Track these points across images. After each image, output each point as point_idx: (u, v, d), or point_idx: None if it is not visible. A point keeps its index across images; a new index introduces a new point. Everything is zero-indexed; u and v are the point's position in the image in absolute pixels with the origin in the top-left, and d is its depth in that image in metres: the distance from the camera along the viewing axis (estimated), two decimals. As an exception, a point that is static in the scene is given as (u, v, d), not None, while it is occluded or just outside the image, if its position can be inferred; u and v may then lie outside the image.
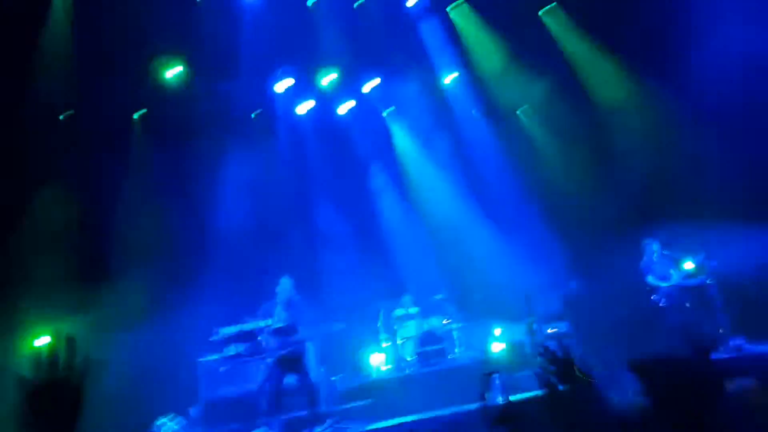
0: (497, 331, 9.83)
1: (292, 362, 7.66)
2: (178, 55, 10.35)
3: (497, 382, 4.36)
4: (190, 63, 10.44)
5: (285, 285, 8.01)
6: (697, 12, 9.19)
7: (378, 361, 9.86)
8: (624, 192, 10.43)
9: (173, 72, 10.39)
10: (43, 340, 8.27)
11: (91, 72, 9.32)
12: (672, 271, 8.83)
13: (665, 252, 8.92)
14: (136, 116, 10.75)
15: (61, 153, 9.64)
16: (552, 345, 3.11)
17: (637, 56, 10.39)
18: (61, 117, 9.85)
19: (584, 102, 11.01)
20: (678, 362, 2.99)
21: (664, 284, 8.81)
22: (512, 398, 7.00)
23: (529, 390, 7.14)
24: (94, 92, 9.56)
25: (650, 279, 8.94)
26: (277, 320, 7.83)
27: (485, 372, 4.04)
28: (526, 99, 11.81)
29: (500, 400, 3.88)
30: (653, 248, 8.98)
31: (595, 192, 10.99)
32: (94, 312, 8.77)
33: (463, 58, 11.66)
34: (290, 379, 7.64)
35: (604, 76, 10.95)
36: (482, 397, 3.85)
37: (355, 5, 10.88)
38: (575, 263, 10.68)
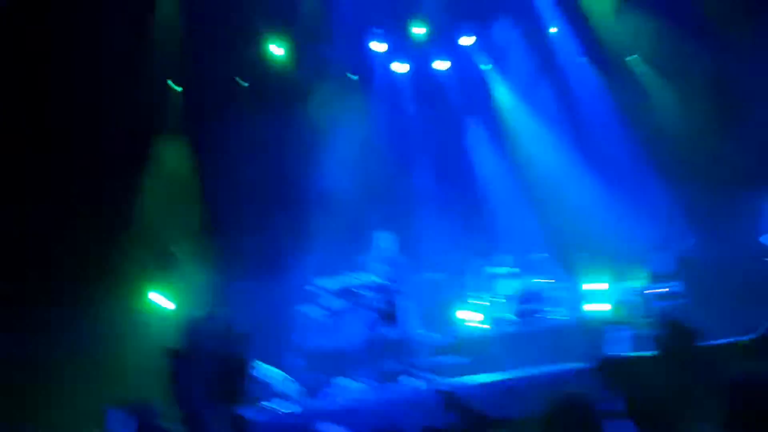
0: (601, 286, 9.43)
1: (390, 316, 7.80)
2: (282, 33, 10.71)
3: (617, 335, 4.10)
4: (291, 37, 10.74)
5: (386, 240, 8.12)
6: None
7: (475, 318, 9.77)
8: (750, 144, 9.52)
9: (278, 50, 10.79)
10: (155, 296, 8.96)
11: (198, 47, 9.88)
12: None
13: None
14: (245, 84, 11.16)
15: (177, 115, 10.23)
16: (663, 308, 2.91)
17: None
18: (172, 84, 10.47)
19: (706, 41, 10.04)
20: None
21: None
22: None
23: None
24: (201, 65, 10.08)
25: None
26: (376, 275, 7.97)
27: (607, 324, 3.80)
28: (639, 42, 10.96)
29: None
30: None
31: (717, 143, 10.12)
32: (208, 263, 9.40)
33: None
34: (388, 332, 7.79)
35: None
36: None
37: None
38: (693, 221, 9.95)
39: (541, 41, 11.55)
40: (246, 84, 11.03)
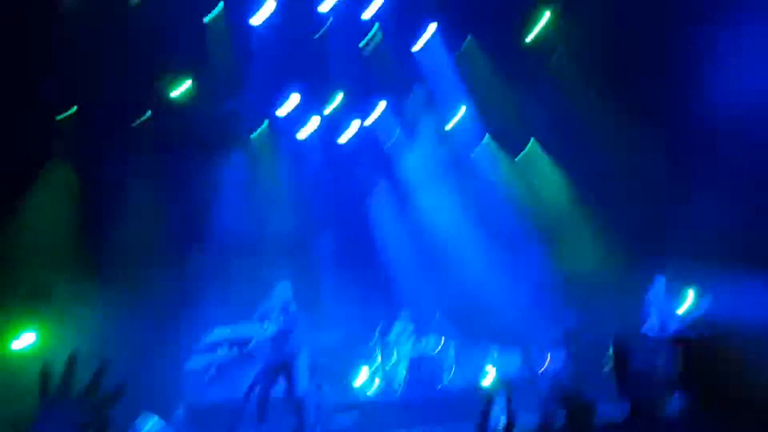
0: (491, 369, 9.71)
1: (282, 371, 7.51)
2: (185, 73, 10.50)
3: (501, 403, 4.14)
4: (196, 80, 10.56)
5: (282, 290, 7.87)
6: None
7: (369, 378, 9.67)
8: (628, 233, 10.37)
9: (180, 89, 10.53)
10: (25, 339, 8.16)
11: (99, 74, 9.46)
12: (670, 318, 8.51)
13: (668, 295, 8.66)
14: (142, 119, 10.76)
15: (65, 145, 9.66)
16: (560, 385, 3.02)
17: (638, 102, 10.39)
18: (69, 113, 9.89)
19: (588, 142, 10.98)
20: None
21: (659, 332, 8.49)
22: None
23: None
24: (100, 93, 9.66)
25: (649, 322, 8.63)
26: (270, 327, 7.69)
27: (489, 392, 3.84)
28: (530, 134, 11.83)
29: (503, 421, 3.67)
30: (657, 291, 8.70)
31: (600, 231, 10.95)
32: (86, 308, 8.70)
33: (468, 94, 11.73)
34: (278, 389, 7.49)
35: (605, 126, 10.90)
36: (484, 417, 3.65)
37: (361, 44, 11.16)
38: (578, 297, 10.55)
39: (441, 126, 12.13)
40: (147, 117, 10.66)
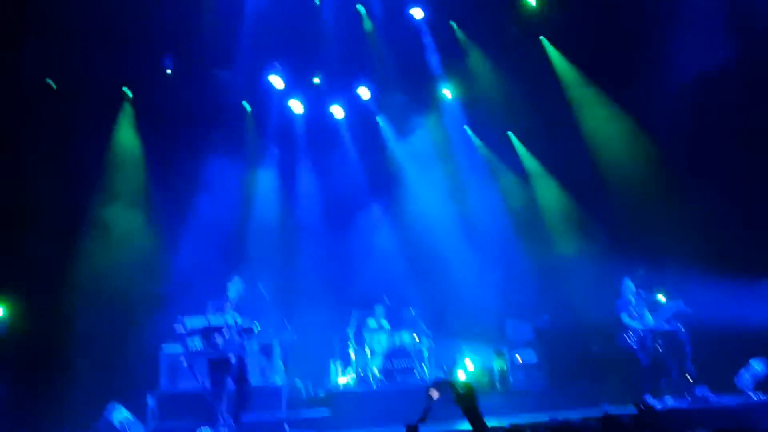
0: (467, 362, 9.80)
1: (255, 362, 7.52)
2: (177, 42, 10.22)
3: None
4: (186, 49, 10.30)
5: (236, 284, 7.83)
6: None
7: (343, 371, 9.69)
8: (609, 227, 10.49)
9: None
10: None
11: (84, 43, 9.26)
12: (647, 313, 8.79)
13: (642, 292, 8.88)
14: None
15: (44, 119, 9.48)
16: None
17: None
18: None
19: (573, 132, 11.04)
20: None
21: (637, 325, 8.77)
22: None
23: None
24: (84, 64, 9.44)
25: (625, 318, 8.88)
26: (234, 318, 7.65)
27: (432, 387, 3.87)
28: (518, 123, 11.82)
29: None
30: (631, 287, 8.94)
31: (580, 224, 11.06)
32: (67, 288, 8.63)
33: (461, 75, 11.68)
34: (251, 380, 7.48)
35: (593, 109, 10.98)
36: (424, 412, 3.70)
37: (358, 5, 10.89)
38: (551, 295, 10.68)
39: (432, 103, 12.05)
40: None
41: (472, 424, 2.94)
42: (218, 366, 7.22)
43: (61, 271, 9.01)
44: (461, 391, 3.08)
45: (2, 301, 8.36)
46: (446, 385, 3.20)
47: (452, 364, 9.84)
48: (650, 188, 10.16)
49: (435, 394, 3.26)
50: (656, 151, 10.14)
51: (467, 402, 3.03)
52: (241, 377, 7.33)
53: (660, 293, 8.88)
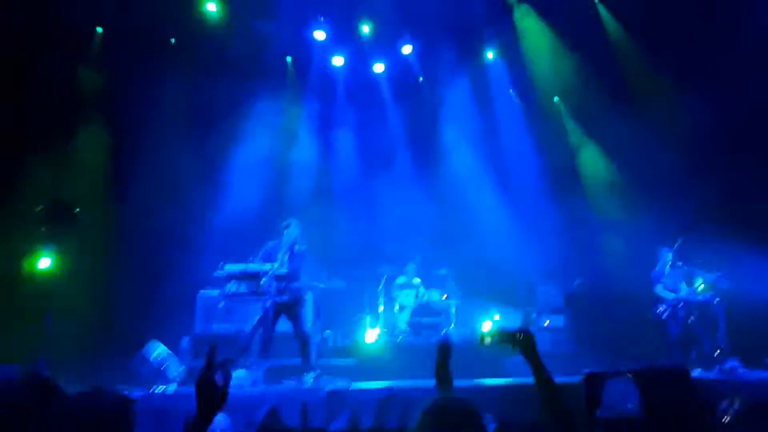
0: (494, 318, 9.86)
1: (289, 309, 7.70)
2: None
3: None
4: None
5: (293, 229, 7.92)
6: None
7: (372, 324, 9.91)
8: (649, 197, 10.29)
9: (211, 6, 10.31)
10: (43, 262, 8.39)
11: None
12: (682, 285, 8.69)
13: (679, 263, 8.77)
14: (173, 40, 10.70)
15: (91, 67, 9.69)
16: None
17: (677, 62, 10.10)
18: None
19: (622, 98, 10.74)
20: (673, 374, 3.02)
21: (670, 295, 8.69)
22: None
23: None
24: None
25: (658, 288, 8.82)
26: (280, 265, 7.80)
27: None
28: (565, 87, 11.56)
29: None
30: (667, 258, 8.83)
31: (618, 191, 10.89)
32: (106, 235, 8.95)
33: (508, 35, 11.43)
34: (284, 326, 7.70)
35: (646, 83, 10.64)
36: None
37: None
38: (586, 259, 10.60)
39: (476, 65, 11.87)
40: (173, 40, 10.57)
41: (536, 369, 2.98)
42: (275, 309, 7.45)
43: (104, 216, 9.30)
44: (520, 337, 3.13)
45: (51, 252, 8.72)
46: (501, 334, 3.24)
47: (478, 324, 9.94)
48: (696, 160, 9.89)
49: (488, 340, 3.30)
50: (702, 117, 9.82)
51: (527, 347, 3.08)
52: (297, 322, 7.56)
53: (698, 264, 8.74)
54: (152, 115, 10.26)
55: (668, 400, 2.88)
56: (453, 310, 9.84)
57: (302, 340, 7.56)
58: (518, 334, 3.09)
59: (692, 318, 8.48)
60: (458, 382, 3.65)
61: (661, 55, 10.33)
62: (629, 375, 3.06)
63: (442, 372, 3.42)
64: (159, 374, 6.82)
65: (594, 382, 3.31)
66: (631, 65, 10.78)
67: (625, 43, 10.81)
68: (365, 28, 11.17)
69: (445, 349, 3.51)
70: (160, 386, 6.65)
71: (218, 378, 2.31)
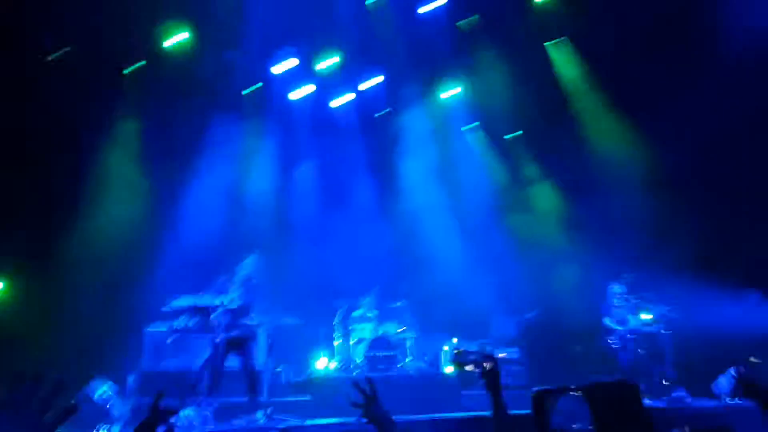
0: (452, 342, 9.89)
1: (239, 345, 7.53)
2: (184, 22, 10.28)
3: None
4: (195, 29, 10.36)
5: (248, 263, 7.82)
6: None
7: (326, 359, 9.78)
8: (600, 230, 10.56)
9: (177, 39, 10.32)
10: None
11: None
12: (630, 317, 8.91)
13: (627, 297, 9.00)
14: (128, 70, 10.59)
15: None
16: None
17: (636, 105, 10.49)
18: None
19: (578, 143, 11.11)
20: (621, 387, 3.06)
21: (619, 327, 8.89)
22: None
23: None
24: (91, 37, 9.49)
25: (607, 321, 9.01)
26: (231, 299, 7.66)
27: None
28: (520, 126, 11.89)
29: None
30: (616, 291, 9.06)
31: (570, 228, 11.15)
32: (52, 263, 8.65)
33: (466, 74, 11.72)
34: (235, 362, 7.53)
35: (602, 122, 11.03)
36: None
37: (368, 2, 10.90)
38: (538, 294, 10.76)
39: (434, 103, 12.10)
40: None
41: (495, 399, 2.99)
42: (225, 345, 7.27)
43: (54, 249, 9.02)
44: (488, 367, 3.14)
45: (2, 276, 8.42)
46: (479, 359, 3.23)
47: (435, 357, 9.91)
48: (644, 194, 10.25)
49: (470, 367, 3.27)
50: (653, 157, 10.22)
51: (492, 377, 3.10)
52: (247, 358, 7.39)
53: (645, 298, 8.99)
54: (103, 145, 10.05)
55: (619, 413, 2.93)
56: (409, 343, 9.80)
57: (251, 376, 7.40)
58: (488, 364, 3.11)
59: (641, 349, 8.68)
60: (414, 416, 3.62)
61: (618, 94, 10.74)
62: (578, 392, 3.09)
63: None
64: (103, 414, 6.55)
65: (542, 401, 3.31)
66: (587, 105, 11.17)
67: (579, 83, 11.21)
68: (327, 62, 11.27)
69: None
70: (104, 427, 6.39)
71: (160, 430, 2.21)
